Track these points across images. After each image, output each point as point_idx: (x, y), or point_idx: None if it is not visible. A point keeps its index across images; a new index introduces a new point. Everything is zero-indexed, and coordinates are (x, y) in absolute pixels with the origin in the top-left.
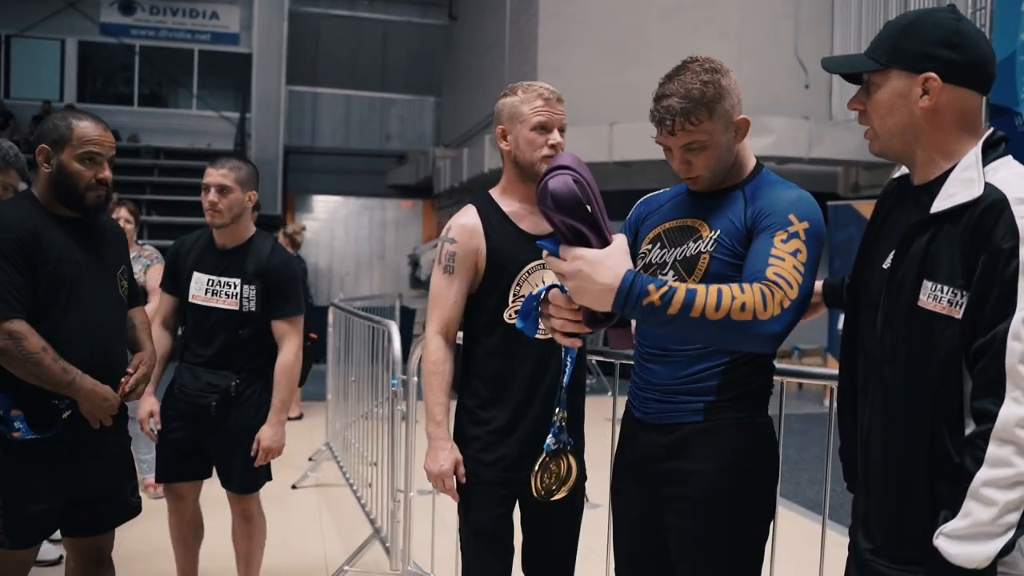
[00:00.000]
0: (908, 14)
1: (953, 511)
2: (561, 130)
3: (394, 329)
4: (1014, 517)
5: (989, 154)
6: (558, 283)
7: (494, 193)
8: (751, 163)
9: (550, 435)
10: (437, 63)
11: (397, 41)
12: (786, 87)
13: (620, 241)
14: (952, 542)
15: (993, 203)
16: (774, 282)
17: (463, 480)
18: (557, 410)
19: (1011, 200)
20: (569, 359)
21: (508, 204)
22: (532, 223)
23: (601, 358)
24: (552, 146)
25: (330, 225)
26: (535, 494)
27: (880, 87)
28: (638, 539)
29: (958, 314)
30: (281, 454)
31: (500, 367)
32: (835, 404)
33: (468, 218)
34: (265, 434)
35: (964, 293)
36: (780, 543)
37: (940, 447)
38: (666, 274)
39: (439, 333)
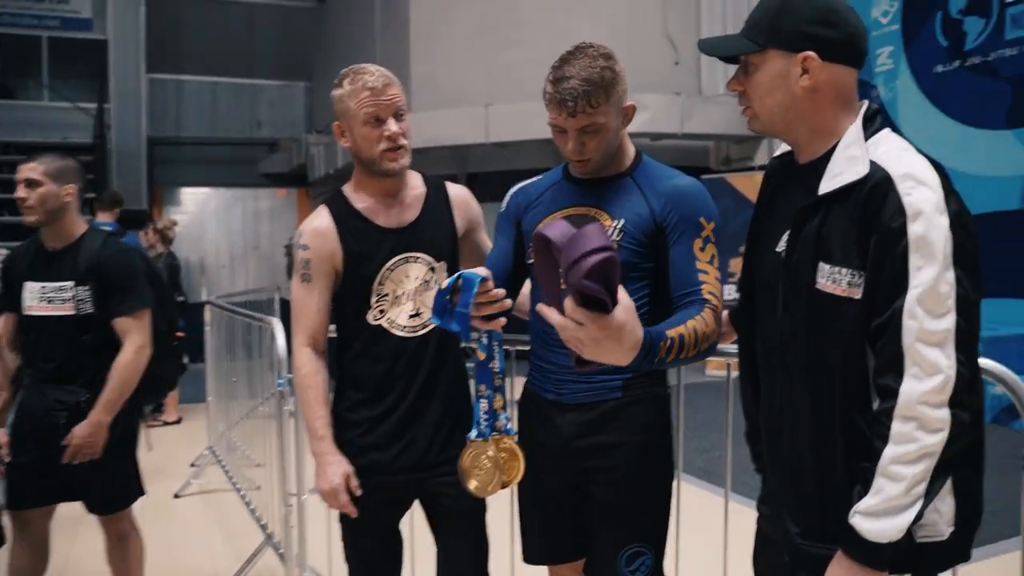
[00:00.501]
0: None
1: (865, 488)
2: (399, 115)
3: (277, 326)
4: (921, 488)
5: (867, 128)
6: (469, 272)
7: (347, 190)
8: (632, 150)
9: (480, 423)
10: (307, 47)
11: (264, 25)
12: (657, 64)
13: (628, 300)
14: (866, 519)
15: (879, 182)
16: (712, 303)
17: (358, 492)
18: (486, 397)
19: (895, 178)
20: (496, 343)
21: (362, 200)
22: (388, 217)
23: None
24: (390, 137)
25: (200, 218)
26: (472, 491)
27: (759, 68)
28: (553, 513)
29: (857, 295)
30: (97, 455)
31: (369, 369)
32: (732, 374)
33: (320, 221)
34: (76, 431)
35: (861, 274)
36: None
37: (852, 426)
38: None
39: (306, 345)
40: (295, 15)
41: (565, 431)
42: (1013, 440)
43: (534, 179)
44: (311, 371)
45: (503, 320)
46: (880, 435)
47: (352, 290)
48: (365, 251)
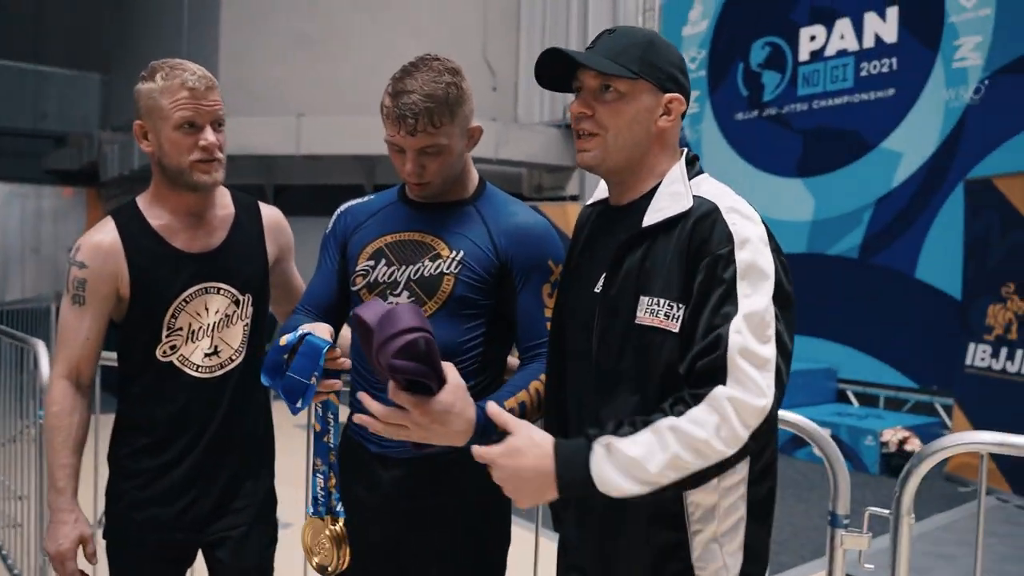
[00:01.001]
0: (636, 31)
1: (632, 429)
2: (217, 124)
3: (41, 349)
4: (668, 477)
5: (690, 170)
6: (315, 338)
7: (142, 202)
8: (475, 176)
9: (319, 500)
10: (104, 36)
11: (56, 8)
12: (475, 88)
13: (456, 379)
14: (608, 455)
15: (705, 212)
16: None
17: (92, 561)
18: (322, 473)
19: (722, 209)
20: (332, 415)
21: (158, 216)
22: (187, 239)
23: None
24: (204, 148)
25: None
26: (316, 569)
27: (626, 97)
28: (378, 565)
29: (675, 327)
30: None
31: (155, 411)
32: None
33: (103, 235)
34: None
35: (680, 306)
36: None
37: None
38: (399, 294)
39: (64, 376)
40: (93, 0)
41: (395, 488)
42: (797, 468)
43: (364, 199)
44: (64, 410)
45: (339, 383)
46: (675, 411)
47: (139, 321)
48: (157, 278)
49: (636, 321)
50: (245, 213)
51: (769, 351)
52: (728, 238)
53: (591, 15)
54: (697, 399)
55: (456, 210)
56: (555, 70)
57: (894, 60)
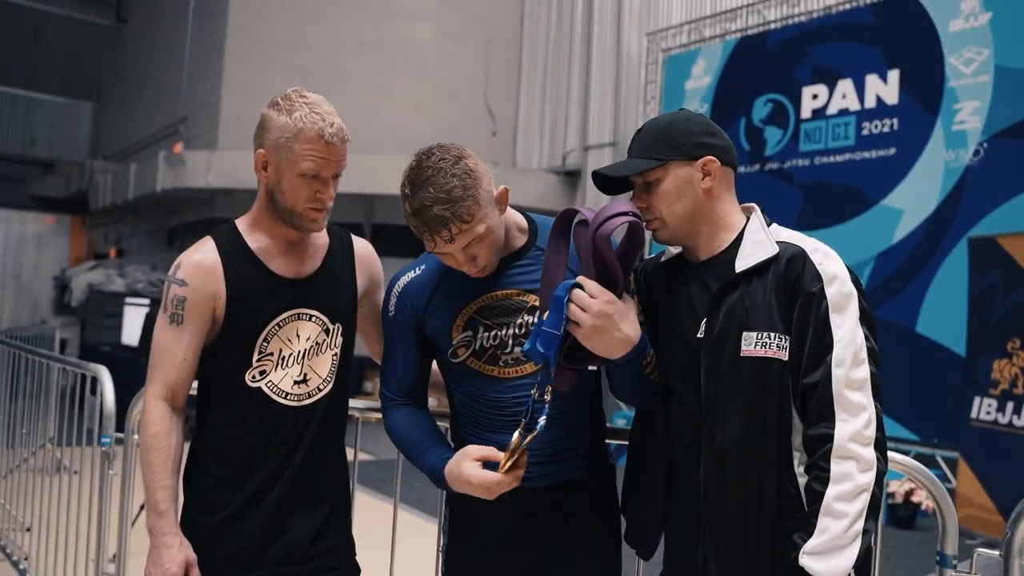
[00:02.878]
0: (658, 121)
1: (807, 531)
2: (337, 177)
3: (105, 376)
4: (859, 525)
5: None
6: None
7: (241, 225)
8: (520, 219)
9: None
10: (99, 67)
11: (53, 36)
12: (476, 133)
13: (632, 303)
14: (816, 558)
15: (794, 255)
16: None
17: None
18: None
19: (808, 251)
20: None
21: (258, 240)
22: (283, 264)
23: None
24: (318, 199)
25: None
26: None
27: (663, 180)
28: None
29: (785, 356)
30: None
31: (240, 440)
32: None
33: (204, 254)
34: None
35: (786, 337)
36: None
37: (780, 486)
38: (511, 351)
39: (162, 398)
40: (90, 31)
41: (525, 515)
42: None
43: (413, 273)
44: (163, 430)
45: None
46: (820, 479)
47: (230, 343)
48: (254, 299)
49: (742, 354)
50: (338, 244)
51: (864, 372)
52: (817, 277)
53: (593, 64)
54: (826, 458)
55: (522, 259)
56: (608, 182)
57: (895, 121)
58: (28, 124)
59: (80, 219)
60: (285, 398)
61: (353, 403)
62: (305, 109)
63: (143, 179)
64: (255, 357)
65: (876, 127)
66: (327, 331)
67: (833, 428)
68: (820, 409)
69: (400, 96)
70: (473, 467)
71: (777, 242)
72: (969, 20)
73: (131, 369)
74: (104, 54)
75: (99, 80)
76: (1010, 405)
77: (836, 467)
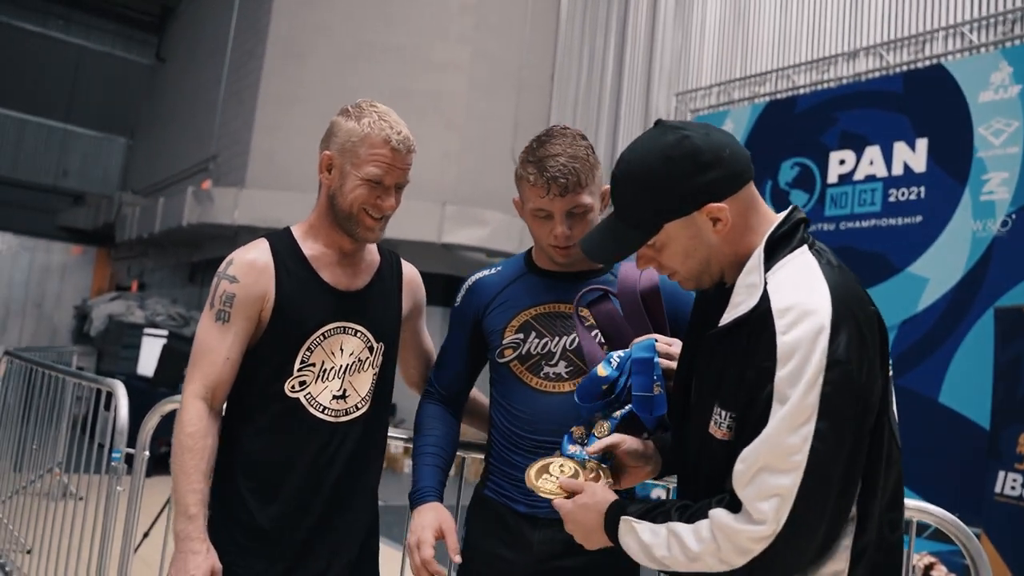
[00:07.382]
0: (630, 166)
1: (664, 518)
2: (401, 187)
3: (120, 390)
4: (670, 567)
5: (781, 248)
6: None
7: (296, 231)
8: None
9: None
10: (135, 103)
11: (92, 72)
12: (501, 183)
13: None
14: (639, 524)
15: (760, 315)
16: None
17: None
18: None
19: (774, 312)
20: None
21: (311, 247)
22: (334, 275)
23: None
24: (377, 205)
25: None
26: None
27: (666, 243)
28: None
29: (731, 437)
30: None
31: (272, 452)
32: None
33: (258, 253)
34: None
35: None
36: None
37: None
38: (555, 364)
39: (201, 397)
40: (129, 68)
41: (546, 548)
42: None
43: (491, 270)
44: (199, 431)
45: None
46: (693, 516)
47: (272, 349)
48: (301, 306)
49: (708, 431)
50: (388, 264)
51: (785, 480)
52: (771, 352)
53: (621, 122)
54: (704, 515)
55: (595, 278)
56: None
57: (922, 189)
58: (62, 156)
59: (105, 251)
60: (323, 412)
61: None
62: (374, 116)
63: (170, 213)
64: (296, 366)
65: (903, 194)
66: (371, 349)
67: (728, 498)
68: (730, 495)
69: (429, 145)
70: (429, 537)
71: (764, 287)
72: (999, 92)
73: (144, 398)
74: (141, 91)
75: (134, 116)
76: None
77: (702, 526)
